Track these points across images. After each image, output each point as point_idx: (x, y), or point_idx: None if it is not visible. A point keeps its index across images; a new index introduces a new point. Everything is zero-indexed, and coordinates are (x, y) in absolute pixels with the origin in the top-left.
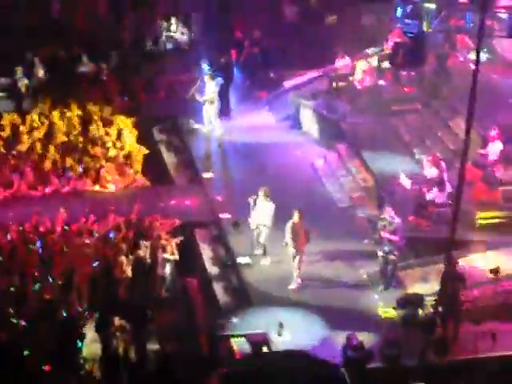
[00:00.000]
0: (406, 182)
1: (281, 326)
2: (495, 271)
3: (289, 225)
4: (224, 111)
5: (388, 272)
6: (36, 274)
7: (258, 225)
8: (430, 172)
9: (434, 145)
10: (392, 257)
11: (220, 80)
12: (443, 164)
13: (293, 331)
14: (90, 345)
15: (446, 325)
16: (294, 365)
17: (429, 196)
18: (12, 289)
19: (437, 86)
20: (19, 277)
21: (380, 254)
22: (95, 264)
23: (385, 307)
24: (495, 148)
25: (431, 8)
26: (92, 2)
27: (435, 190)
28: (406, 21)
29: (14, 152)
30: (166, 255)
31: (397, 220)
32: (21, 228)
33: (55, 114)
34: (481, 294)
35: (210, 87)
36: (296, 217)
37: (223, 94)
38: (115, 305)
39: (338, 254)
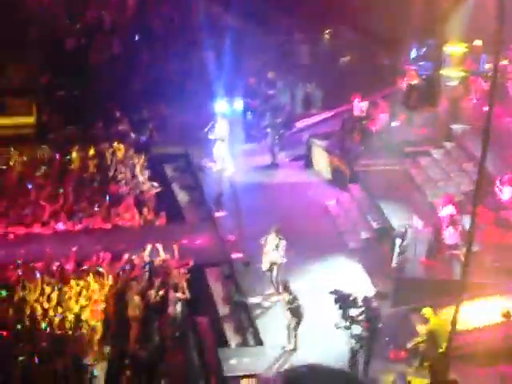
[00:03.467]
0: (418, 224)
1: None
2: (506, 314)
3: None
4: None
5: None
6: (45, 311)
7: (270, 263)
8: (445, 211)
9: (447, 187)
10: (362, 344)
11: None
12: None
13: None
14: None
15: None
16: None
17: (444, 235)
18: (21, 326)
19: (450, 128)
20: (29, 315)
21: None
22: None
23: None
24: (509, 191)
25: (446, 50)
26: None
27: (450, 228)
28: (420, 62)
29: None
30: (178, 294)
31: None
32: (32, 265)
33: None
34: (492, 337)
35: (222, 126)
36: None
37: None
38: (125, 357)
39: None
